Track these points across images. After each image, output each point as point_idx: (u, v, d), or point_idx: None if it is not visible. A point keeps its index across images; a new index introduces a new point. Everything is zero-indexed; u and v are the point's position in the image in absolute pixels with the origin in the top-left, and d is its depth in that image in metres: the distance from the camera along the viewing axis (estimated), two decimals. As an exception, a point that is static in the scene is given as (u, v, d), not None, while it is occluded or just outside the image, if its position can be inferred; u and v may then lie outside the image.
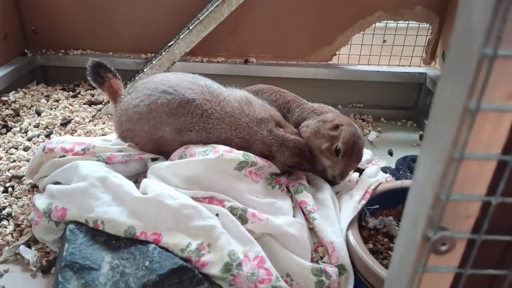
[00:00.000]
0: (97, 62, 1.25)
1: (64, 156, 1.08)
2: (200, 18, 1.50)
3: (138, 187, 1.00)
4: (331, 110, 1.26)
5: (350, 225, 1.02)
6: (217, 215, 0.94)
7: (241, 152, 1.06)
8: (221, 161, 1.02)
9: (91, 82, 1.27)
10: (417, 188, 0.42)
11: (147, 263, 0.81)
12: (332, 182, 1.18)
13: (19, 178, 1.24)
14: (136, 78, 1.54)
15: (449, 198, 0.39)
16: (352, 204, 1.06)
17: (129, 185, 0.97)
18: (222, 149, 1.05)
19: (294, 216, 1.03)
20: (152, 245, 0.85)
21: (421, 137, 1.70)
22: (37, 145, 1.37)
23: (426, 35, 1.82)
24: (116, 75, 1.27)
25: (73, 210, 0.93)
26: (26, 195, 1.19)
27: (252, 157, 1.05)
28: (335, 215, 1.04)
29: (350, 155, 1.11)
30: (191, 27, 1.51)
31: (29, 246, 1.05)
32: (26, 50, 1.87)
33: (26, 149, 1.37)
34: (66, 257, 0.84)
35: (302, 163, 1.15)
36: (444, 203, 0.39)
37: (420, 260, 0.43)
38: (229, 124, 1.10)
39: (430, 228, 0.42)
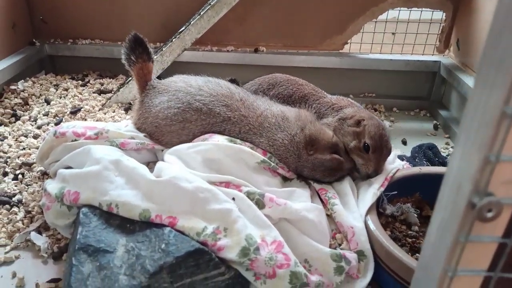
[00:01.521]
0: (138, 38, 1.16)
1: (76, 140, 1.06)
2: (211, 3, 1.47)
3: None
4: (351, 104, 1.23)
5: (368, 211, 1.00)
6: (233, 199, 0.92)
7: (268, 155, 1.06)
8: (245, 152, 1.02)
9: (123, 59, 1.18)
10: (462, 150, 0.40)
11: (163, 246, 0.79)
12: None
13: (29, 166, 1.22)
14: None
15: (500, 159, 0.37)
16: (371, 190, 1.04)
17: (143, 168, 0.95)
18: (249, 145, 1.05)
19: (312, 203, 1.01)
20: (168, 228, 0.83)
21: (435, 126, 1.67)
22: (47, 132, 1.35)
23: (440, 23, 1.78)
24: (151, 58, 1.19)
25: (86, 193, 0.91)
26: (37, 182, 1.17)
27: (275, 163, 1.05)
28: (354, 202, 1.02)
29: (381, 149, 1.09)
30: (202, 13, 1.48)
31: (40, 233, 1.04)
32: (34, 40, 1.85)
33: (35, 136, 1.36)
34: (80, 239, 0.82)
35: (338, 178, 1.10)
36: (494, 165, 0.37)
37: (463, 229, 0.41)
38: (266, 139, 1.07)
39: (476, 193, 0.39)
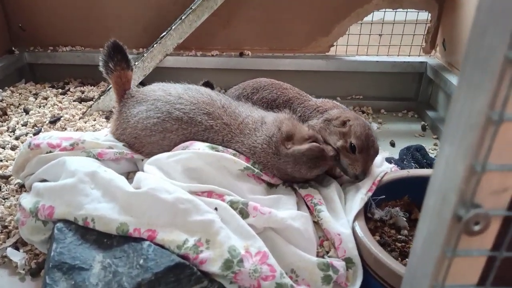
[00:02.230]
0: (117, 45, 1.12)
1: (51, 152, 1.02)
2: (193, 7, 1.44)
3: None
4: (336, 106, 1.20)
5: (356, 217, 0.97)
6: (216, 209, 0.89)
7: (251, 161, 1.03)
8: (228, 159, 0.98)
9: (100, 67, 1.14)
10: (446, 159, 0.37)
11: (141, 261, 0.75)
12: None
13: (6, 178, 1.18)
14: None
15: (486, 169, 0.34)
16: (359, 195, 1.01)
17: (121, 179, 0.91)
18: (231, 152, 1.02)
19: (298, 210, 0.98)
20: (147, 242, 0.79)
21: (423, 127, 1.65)
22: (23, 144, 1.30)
23: (426, 23, 1.77)
24: (130, 66, 1.15)
25: (61, 208, 0.87)
26: (14, 196, 1.12)
27: (259, 169, 1.02)
28: (342, 208, 1.00)
29: (367, 149, 1.06)
30: (183, 17, 1.45)
31: (17, 248, 0.99)
32: (13, 48, 1.80)
33: (13, 148, 1.31)
34: (54, 257, 0.78)
35: (324, 169, 1.07)
36: (479, 175, 0.34)
37: (449, 243, 0.38)
38: (248, 146, 1.04)
39: (462, 205, 0.36)
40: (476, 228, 0.36)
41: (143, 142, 1.06)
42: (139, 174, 0.95)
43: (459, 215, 0.36)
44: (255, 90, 1.24)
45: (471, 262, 0.40)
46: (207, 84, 1.21)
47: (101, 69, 1.15)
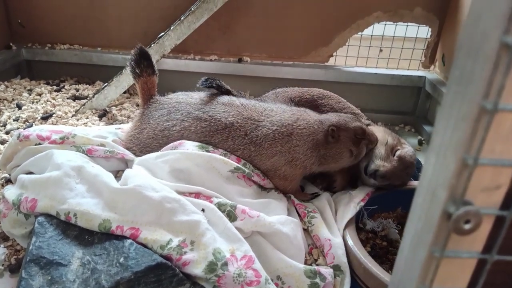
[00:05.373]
0: (144, 52, 1.15)
1: (39, 144, 1.00)
2: (193, 9, 1.43)
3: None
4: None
5: (347, 226, 0.95)
6: (203, 210, 0.86)
7: (242, 161, 1.00)
8: (217, 159, 0.96)
9: (129, 71, 1.17)
10: (436, 152, 0.35)
11: (121, 260, 0.73)
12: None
13: (-7, 172, 1.15)
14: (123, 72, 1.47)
15: (478, 163, 0.32)
16: (351, 205, 0.99)
17: (107, 175, 0.89)
18: (221, 152, 1.00)
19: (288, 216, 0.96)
20: (129, 241, 0.77)
21: (420, 142, 1.64)
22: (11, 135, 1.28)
23: (426, 38, 1.77)
24: (155, 72, 1.18)
25: (44, 201, 0.84)
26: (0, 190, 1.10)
27: (250, 170, 1.00)
28: (333, 219, 0.98)
29: (405, 166, 1.05)
30: (182, 18, 1.44)
31: (-3, 243, 0.96)
32: (11, 44, 1.79)
33: (3, 142, 1.29)
34: (32, 251, 0.75)
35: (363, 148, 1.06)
36: (471, 168, 0.32)
37: (438, 242, 0.36)
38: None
39: (452, 201, 0.34)
40: (467, 226, 0.35)
41: (160, 142, 1.05)
42: (127, 171, 0.93)
43: (448, 212, 0.34)
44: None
45: (460, 264, 0.38)
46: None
47: (129, 74, 1.19)
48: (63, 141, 1.00)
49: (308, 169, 1.02)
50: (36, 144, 1.00)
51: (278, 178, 1.02)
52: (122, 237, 0.78)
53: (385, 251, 1.00)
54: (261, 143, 1.00)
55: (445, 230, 0.35)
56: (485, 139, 0.31)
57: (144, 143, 1.07)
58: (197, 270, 0.76)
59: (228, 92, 1.14)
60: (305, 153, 1.00)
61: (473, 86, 0.31)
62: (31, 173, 0.97)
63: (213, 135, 1.02)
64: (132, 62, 1.15)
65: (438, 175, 0.35)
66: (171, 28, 1.46)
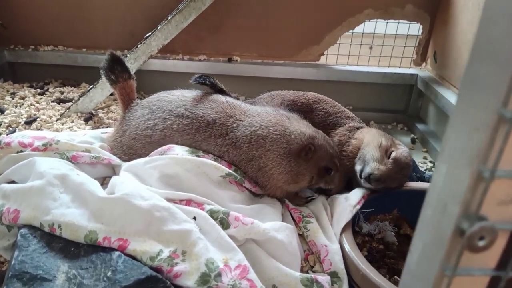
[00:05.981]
0: (115, 57, 1.12)
1: (22, 151, 0.96)
2: (180, 8, 1.39)
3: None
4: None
5: (343, 230, 0.93)
6: (194, 218, 0.83)
7: (233, 167, 0.97)
8: (208, 165, 0.93)
9: (104, 78, 1.14)
10: (447, 165, 0.32)
11: (109, 273, 0.69)
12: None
13: (-27, 180, 1.10)
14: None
15: (495, 175, 0.29)
16: (347, 208, 0.96)
17: (93, 184, 0.85)
18: (212, 157, 0.97)
19: (282, 221, 0.93)
20: (117, 253, 0.73)
21: (412, 140, 1.62)
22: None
23: (417, 35, 1.75)
24: (132, 76, 1.15)
25: (26, 212, 0.80)
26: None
27: (241, 176, 0.97)
28: (329, 224, 0.96)
29: (400, 168, 1.02)
30: (169, 18, 1.40)
31: (-20, 256, 0.92)
32: (-8, 46, 1.73)
33: (-16, 148, 1.23)
34: (14, 265, 0.71)
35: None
36: (488, 182, 0.29)
37: (449, 260, 0.33)
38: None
39: (465, 217, 0.32)
40: (481, 243, 0.32)
41: (143, 142, 1.01)
42: (114, 179, 0.89)
43: (461, 228, 0.32)
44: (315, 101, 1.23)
45: (472, 282, 0.35)
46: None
47: (105, 81, 1.16)
48: (46, 148, 0.96)
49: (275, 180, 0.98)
50: (18, 152, 0.96)
51: (262, 186, 0.99)
52: (109, 249, 0.74)
53: (382, 255, 0.98)
54: (240, 145, 0.97)
55: (457, 247, 0.32)
56: (503, 150, 0.28)
57: (127, 145, 1.04)
58: (189, 282, 0.73)
59: (221, 91, 1.10)
60: (274, 160, 0.96)
61: (491, 92, 0.28)
62: (13, 182, 0.92)
63: (196, 132, 0.98)
64: (105, 69, 1.12)
65: (450, 188, 0.32)
66: (158, 28, 1.42)
